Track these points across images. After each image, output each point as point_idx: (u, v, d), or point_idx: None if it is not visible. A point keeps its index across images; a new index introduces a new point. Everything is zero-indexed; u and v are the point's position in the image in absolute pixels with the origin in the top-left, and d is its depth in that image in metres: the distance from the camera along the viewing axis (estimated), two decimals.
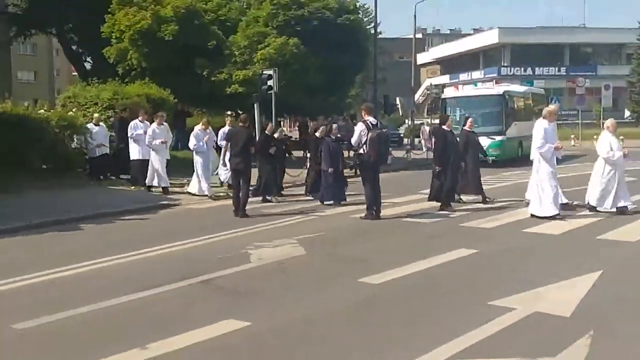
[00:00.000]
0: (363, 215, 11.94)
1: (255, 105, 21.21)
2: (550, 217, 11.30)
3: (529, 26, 63.29)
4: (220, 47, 24.86)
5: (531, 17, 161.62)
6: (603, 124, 37.49)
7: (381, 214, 11.96)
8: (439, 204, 12.85)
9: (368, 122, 12.10)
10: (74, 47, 33.73)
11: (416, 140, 35.51)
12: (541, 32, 60.26)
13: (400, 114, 56.86)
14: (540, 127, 11.69)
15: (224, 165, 13.83)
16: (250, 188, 15.70)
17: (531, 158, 12.01)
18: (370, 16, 44.26)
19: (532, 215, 11.56)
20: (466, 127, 14.48)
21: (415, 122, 41.31)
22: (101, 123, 17.98)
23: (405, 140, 38.44)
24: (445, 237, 10.15)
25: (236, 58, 24.67)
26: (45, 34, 36.77)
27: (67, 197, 14.50)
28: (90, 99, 19.87)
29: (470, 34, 72.51)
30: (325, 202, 13.86)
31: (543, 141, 11.52)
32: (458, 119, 25.90)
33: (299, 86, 23.81)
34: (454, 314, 6.18)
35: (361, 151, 12.05)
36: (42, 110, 18.73)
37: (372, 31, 36.07)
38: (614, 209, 11.72)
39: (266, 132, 15.55)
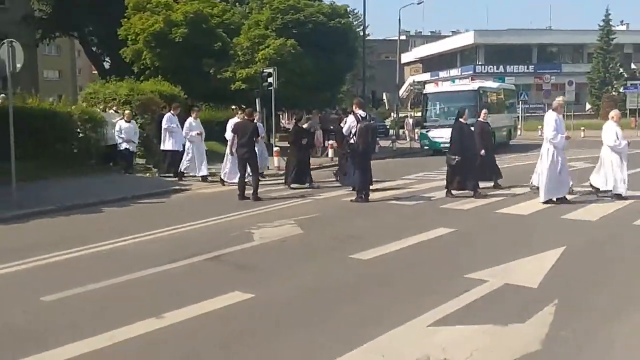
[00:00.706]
0: (353, 198, 11.94)
1: (256, 100, 21.15)
2: (560, 199, 11.06)
3: (501, 28, 62.94)
4: (225, 48, 24.72)
5: (503, 19, 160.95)
6: (567, 115, 37.63)
7: (369, 197, 11.96)
8: (445, 189, 12.33)
9: (358, 114, 12.08)
10: (94, 49, 33.52)
11: (400, 131, 35.49)
12: (512, 33, 60.02)
13: (387, 107, 56.80)
14: (551, 119, 11.15)
15: (231, 154, 13.55)
16: (266, 176, 15.86)
17: (541, 152, 11.42)
18: (360, 20, 44.14)
19: (546, 202, 10.99)
20: (480, 118, 13.82)
21: (400, 115, 41.24)
22: (132, 120, 17.30)
23: (391, 132, 38.41)
24: (427, 217, 10.17)
25: (239, 58, 24.54)
26: (68, 37, 36.51)
27: (89, 184, 14.45)
28: (108, 95, 19.74)
29: (448, 36, 72.14)
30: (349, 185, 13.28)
31: (555, 132, 10.98)
32: (438, 112, 25.95)
33: (296, 83, 23.71)
34: (434, 285, 6.20)
35: (352, 141, 12.04)
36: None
37: (361, 33, 35.98)
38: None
39: (298, 123, 15.23)
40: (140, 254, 7.84)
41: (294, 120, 16.38)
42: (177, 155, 15.92)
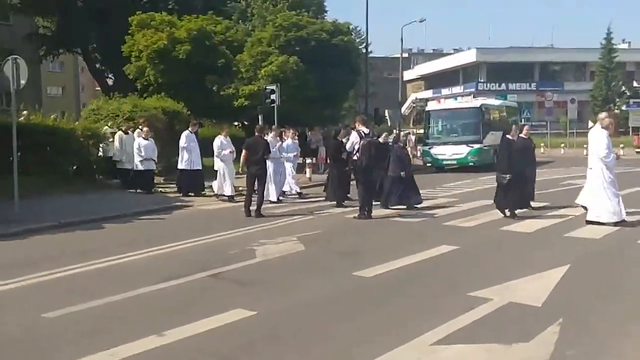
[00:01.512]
0: (356, 215, 11.92)
1: (259, 116, 21.21)
2: (614, 223, 10.21)
3: (503, 46, 63.22)
4: (229, 64, 24.87)
5: (505, 38, 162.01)
6: (570, 133, 37.33)
7: (372, 214, 11.94)
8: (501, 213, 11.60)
9: (361, 131, 12.12)
10: (97, 65, 33.73)
11: None
12: (514, 51, 60.33)
13: (389, 124, 56.90)
14: (603, 137, 10.41)
15: (241, 171, 13.15)
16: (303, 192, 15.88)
17: (590, 167, 10.62)
18: (362, 37, 44.37)
19: (589, 222, 10.43)
20: (522, 135, 12.67)
21: (402, 131, 41.29)
22: (150, 137, 16.45)
23: None
24: (430, 235, 10.14)
25: (242, 74, 24.68)
26: (72, 53, 36.74)
27: (90, 199, 14.47)
28: (112, 112, 19.83)
29: (451, 53, 72.51)
30: (390, 207, 12.89)
31: (608, 150, 10.31)
32: (440, 129, 25.99)
33: (299, 100, 23.80)
34: (437, 303, 6.16)
35: (355, 157, 12.06)
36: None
37: (364, 51, 36.13)
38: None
39: (337, 137, 14.65)
40: (142, 270, 7.81)
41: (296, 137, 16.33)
42: (195, 175, 15.58)
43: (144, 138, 16.27)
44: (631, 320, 5.62)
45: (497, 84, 58.61)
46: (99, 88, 36.89)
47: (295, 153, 16.11)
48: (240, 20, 32.40)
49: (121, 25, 25.60)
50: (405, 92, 62.77)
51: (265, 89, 20.52)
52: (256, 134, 13.09)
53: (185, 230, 10.66)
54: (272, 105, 19.58)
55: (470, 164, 23.44)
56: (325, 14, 33.82)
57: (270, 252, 8.72)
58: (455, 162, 24.12)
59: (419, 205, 12.88)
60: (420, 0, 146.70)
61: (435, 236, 9.92)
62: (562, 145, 37.60)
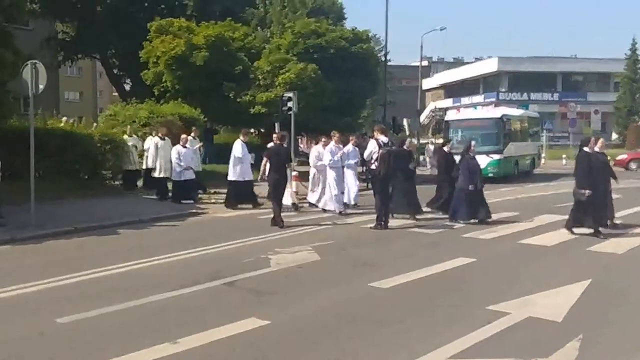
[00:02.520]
0: (372, 225, 11.91)
1: (276, 124, 21.27)
2: None
3: (525, 55, 63.00)
4: (246, 71, 24.99)
5: (527, 47, 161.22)
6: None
7: (389, 225, 11.92)
8: (567, 230, 11.00)
9: (379, 140, 12.13)
10: (115, 71, 34.14)
11: (421, 157, 35.41)
12: (536, 61, 60.03)
13: (407, 133, 56.77)
14: None
15: (260, 179, 12.94)
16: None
17: None
18: (381, 45, 44.38)
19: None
20: (596, 148, 11.45)
21: (421, 141, 41.20)
22: (188, 145, 15.77)
23: None
24: (447, 247, 10.09)
25: (260, 82, 24.78)
26: (90, 59, 37.27)
27: (107, 205, 14.59)
28: (129, 117, 20.05)
29: (471, 62, 72.34)
30: (461, 221, 12.27)
31: None
32: (460, 139, 25.87)
33: (316, 108, 23.83)
34: (454, 317, 6.14)
35: (373, 166, 12.06)
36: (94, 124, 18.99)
37: (383, 59, 36.13)
38: None
39: (405, 147, 13.87)
40: (156, 277, 7.87)
41: (312, 144, 16.03)
42: (246, 186, 15.09)
43: (183, 145, 15.56)
44: None
45: (518, 94, 58.31)
46: (116, 93, 37.35)
47: (356, 160, 15.34)
48: (258, 27, 32.56)
49: (140, 31, 25.90)
50: (424, 101, 62.69)
51: (283, 96, 20.58)
52: (277, 141, 12.93)
53: (200, 238, 10.72)
54: (289, 112, 19.63)
55: (489, 175, 23.29)
56: (345, 21, 33.84)
57: (285, 261, 8.74)
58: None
59: (489, 220, 12.28)
60: (441, 8, 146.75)
61: (452, 248, 9.87)
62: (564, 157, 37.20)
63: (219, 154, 16.42)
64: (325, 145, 14.95)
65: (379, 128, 13.04)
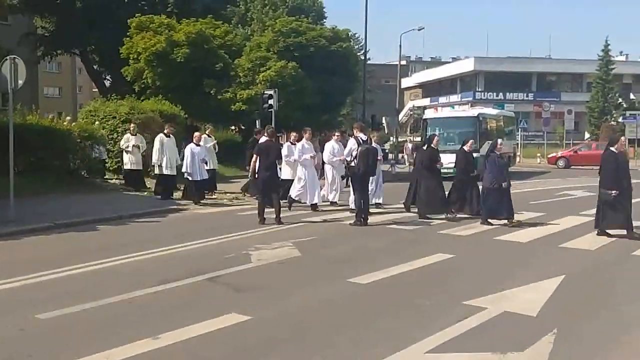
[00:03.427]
0: (352, 221, 11.94)
1: (257, 121, 21.26)
2: None
3: (501, 56, 63.54)
4: (227, 68, 24.91)
5: (503, 47, 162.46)
6: (566, 144, 38.04)
7: (368, 221, 11.96)
8: (598, 231, 10.59)
9: (359, 138, 12.17)
10: (95, 67, 33.72)
11: (399, 155, 35.59)
12: (512, 61, 60.61)
13: (386, 131, 57.00)
14: None
15: (252, 176, 12.74)
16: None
17: None
18: (361, 44, 44.52)
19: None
20: (614, 148, 10.73)
21: (399, 139, 41.38)
22: (201, 143, 15.52)
23: (390, 155, 38.52)
24: (425, 243, 10.16)
25: (240, 79, 24.72)
26: (70, 54, 36.71)
27: (86, 201, 14.44)
28: (109, 113, 19.85)
29: (448, 62, 72.81)
30: (491, 220, 11.81)
31: None
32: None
33: (296, 105, 23.86)
34: (432, 312, 6.18)
35: (352, 164, 12.09)
36: (66, 121, 18.65)
37: (362, 57, 36.24)
38: None
39: (432, 145, 13.55)
40: (137, 273, 7.81)
41: (289, 142, 15.45)
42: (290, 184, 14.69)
43: (196, 144, 15.14)
44: (624, 331, 5.65)
45: (494, 94, 58.87)
46: (96, 89, 36.89)
47: (311, 155, 14.68)
48: (239, 25, 32.52)
49: (120, 27, 25.63)
50: (402, 100, 62.88)
51: (263, 93, 20.58)
52: (266, 137, 12.58)
53: (181, 234, 10.66)
54: (270, 110, 19.62)
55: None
56: (325, 20, 33.93)
57: (266, 257, 8.72)
58: (451, 170, 24.16)
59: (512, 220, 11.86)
60: (420, 8, 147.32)
61: (430, 244, 9.95)
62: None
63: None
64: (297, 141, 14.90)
65: (358, 126, 13.10)
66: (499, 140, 12.77)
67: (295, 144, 14.86)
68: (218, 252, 9.12)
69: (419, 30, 47.08)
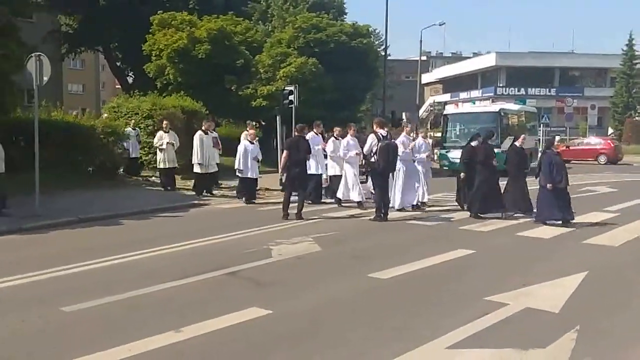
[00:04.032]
0: (372, 217, 11.91)
1: (277, 117, 21.27)
2: None
3: (523, 51, 62.89)
4: (247, 65, 24.98)
5: (525, 42, 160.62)
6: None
7: (388, 217, 11.91)
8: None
9: (379, 133, 12.11)
10: (118, 63, 34.06)
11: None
12: (534, 56, 59.95)
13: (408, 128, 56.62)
14: None
15: (281, 172, 12.87)
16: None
17: None
18: (381, 40, 44.30)
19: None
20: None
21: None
22: (244, 139, 14.98)
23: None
24: (446, 238, 10.10)
25: (261, 75, 24.78)
26: (93, 51, 37.15)
27: (110, 196, 14.60)
28: (131, 109, 20.04)
29: (470, 57, 72.18)
30: (548, 222, 11.24)
31: None
32: (458, 133, 25.87)
33: (316, 101, 23.84)
34: (453, 308, 6.14)
35: (372, 160, 12.04)
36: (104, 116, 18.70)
37: (382, 53, 36.07)
38: None
39: (488, 141, 13.04)
40: (159, 267, 7.87)
41: (333, 137, 14.67)
42: (319, 180, 14.63)
43: (250, 141, 14.71)
44: None
45: (516, 89, 58.22)
46: (119, 86, 37.27)
47: (428, 153, 14.57)
48: (260, 21, 32.51)
49: (142, 24, 25.83)
50: (422, 96, 62.59)
51: (284, 89, 20.57)
52: (296, 133, 12.69)
53: (202, 228, 10.73)
54: (290, 106, 19.61)
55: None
56: (345, 16, 33.79)
57: (286, 252, 8.74)
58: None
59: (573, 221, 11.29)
60: (441, 3, 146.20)
61: (451, 240, 9.88)
62: None
63: (223, 147, 16.35)
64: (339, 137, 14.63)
65: (378, 121, 13.01)
66: (556, 138, 12.11)
67: (339, 139, 14.53)
68: (239, 247, 9.16)
69: (439, 25, 46.85)
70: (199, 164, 15.53)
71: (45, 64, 11.82)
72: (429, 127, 50.59)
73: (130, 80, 33.43)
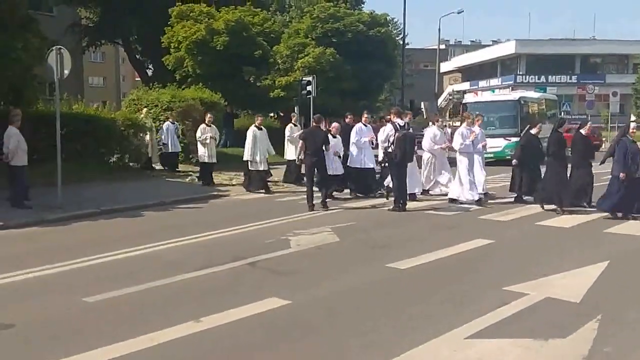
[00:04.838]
0: (391, 207, 11.87)
1: (295, 107, 21.27)
2: None
3: (543, 38, 62.01)
4: (265, 56, 24.95)
5: (545, 29, 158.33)
6: (611, 127, 37.12)
7: (407, 207, 11.87)
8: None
9: (396, 123, 12.03)
10: (137, 56, 34.22)
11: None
12: (554, 43, 59.07)
13: (425, 117, 56.36)
14: None
15: (298, 161, 12.89)
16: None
17: None
18: (399, 29, 43.97)
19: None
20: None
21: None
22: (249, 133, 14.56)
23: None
24: (465, 228, 10.03)
25: (279, 66, 24.74)
26: (113, 44, 37.34)
27: (130, 187, 14.71)
28: (151, 102, 20.14)
29: (489, 45, 71.36)
30: (615, 213, 10.70)
31: None
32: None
33: (334, 91, 23.78)
34: (472, 297, 6.11)
35: (389, 150, 11.98)
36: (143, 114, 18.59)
37: (401, 42, 35.82)
38: None
39: (559, 130, 12.11)
40: (179, 258, 7.93)
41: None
42: (366, 175, 13.93)
43: (333, 136, 13.57)
44: None
45: (536, 77, 57.50)
46: (139, 78, 37.46)
47: (484, 142, 13.77)
48: (277, 12, 32.47)
49: (161, 17, 25.91)
50: (441, 84, 62.04)
51: (302, 80, 20.54)
52: (313, 124, 12.65)
53: (222, 219, 10.77)
54: (308, 96, 19.59)
55: (507, 157, 23.08)
56: (363, 5, 33.55)
57: (305, 243, 8.76)
58: (492, 155, 23.76)
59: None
60: None
61: (470, 230, 9.81)
62: (604, 139, 36.74)
63: (240, 137, 16.17)
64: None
65: (395, 111, 12.92)
66: (632, 124, 11.60)
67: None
68: (258, 238, 9.19)
69: (458, 13, 46.38)
70: (250, 161, 14.64)
71: (65, 57, 11.91)
72: (447, 116, 50.15)
73: (149, 72, 33.58)
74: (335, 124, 14.32)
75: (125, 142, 17.66)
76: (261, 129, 14.90)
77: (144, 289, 6.39)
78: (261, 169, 14.68)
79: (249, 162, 14.72)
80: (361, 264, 7.63)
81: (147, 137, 18.14)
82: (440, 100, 53.85)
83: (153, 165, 18.22)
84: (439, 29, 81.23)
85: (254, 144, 14.62)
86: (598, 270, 7.04)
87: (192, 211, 12.36)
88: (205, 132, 15.77)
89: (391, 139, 11.87)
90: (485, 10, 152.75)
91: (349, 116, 15.57)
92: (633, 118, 10.34)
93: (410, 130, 12.59)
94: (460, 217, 11.30)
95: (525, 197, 12.58)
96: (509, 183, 13.32)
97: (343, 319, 5.50)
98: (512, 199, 12.82)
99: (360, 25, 25.49)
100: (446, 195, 13.18)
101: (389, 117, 13.81)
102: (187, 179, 16.72)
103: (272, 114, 31.28)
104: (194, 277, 6.88)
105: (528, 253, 8.27)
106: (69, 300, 6.05)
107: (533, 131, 12.83)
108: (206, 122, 16.01)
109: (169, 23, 25.67)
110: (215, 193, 14.52)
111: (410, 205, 12.03)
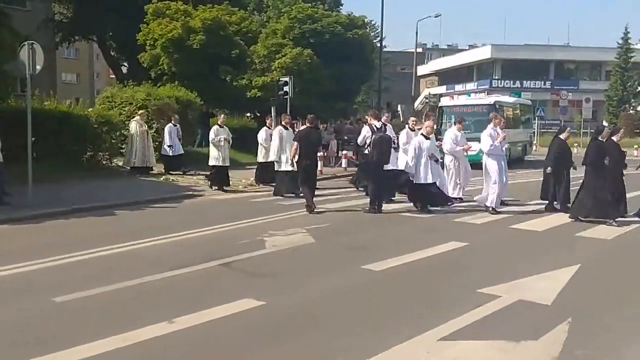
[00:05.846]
0: (366, 209, 11.92)
1: (272, 108, 21.24)
2: None
3: (519, 43, 62.84)
4: (242, 55, 24.91)
5: (521, 35, 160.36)
6: (583, 133, 37.76)
7: (382, 209, 11.92)
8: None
9: (373, 125, 12.10)
10: (112, 53, 33.88)
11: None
12: (529, 49, 59.93)
13: (401, 119, 56.68)
14: None
15: (291, 164, 12.59)
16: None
17: None
18: (377, 31, 44.23)
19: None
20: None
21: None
22: (211, 134, 14.64)
23: None
24: (439, 231, 10.11)
25: (256, 66, 24.71)
26: (87, 41, 36.90)
27: (104, 186, 14.55)
28: (125, 99, 19.95)
29: (465, 49, 72.10)
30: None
31: None
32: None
33: (312, 92, 23.83)
34: (445, 300, 6.16)
35: (366, 151, 12.03)
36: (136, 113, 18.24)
37: (378, 45, 36.00)
38: None
39: (599, 138, 11.20)
40: (152, 258, 7.86)
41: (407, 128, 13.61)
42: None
43: (425, 137, 12.16)
44: None
45: (511, 82, 58.26)
46: (113, 76, 37.09)
47: (466, 146, 13.77)
48: (255, 11, 32.41)
49: (137, 14, 25.69)
50: (418, 88, 62.53)
51: (279, 80, 20.54)
52: (307, 124, 12.41)
53: (196, 219, 10.71)
54: (285, 97, 19.58)
55: (481, 161, 23.37)
56: (341, 7, 33.72)
57: (280, 244, 8.74)
58: (467, 158, 23.99)
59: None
60: None
61: (444, 232, 9.89)
62: (576, 144, 37.32)
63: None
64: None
65: (372, 113, 12.99)
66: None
67: (414, 130, 13.45)
68: (232, 238, 9.15)
69: (435, 17, 46.83)
70: (277, 161, 14.15)
71: (38, 53, 11.73)
72: (423, 119, 50.57)
73: (124, 69, 33.26)
74: (429, 122, 12.78)
75: (98, 140, 17.45)
76: (287, 129, 14.36)
77: (116, 289, 6.31)
78: (289, 169, 13.69)
79: (275, 163, 14.25)
80: (336, 265, 7.64)
81: (137, 140, 17.56)
82: (416, 103, 54.31)
83: (153, 168, 17.89)
84: (417, 33, 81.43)
85: (281, 145, 14.07)
86: (569, 273, 7.15)
87: (166, 211, 12.26)
88: (219, 134, 15.12)
89: (368, 141, 11.94)
90: (462, 14, 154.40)
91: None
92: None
93: (387, 132, 12.66)
94: (435, 219, 11.38)
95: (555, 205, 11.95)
96: (540, 189, 12.52)
97: (317, 320, 5.50)
98: (543, 207, 12.22)
99: (338, 26, 25.61)
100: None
101: (366, 119, 13.70)
102: (161, 178, 16.60)
103: (248, 114, 31.21)
104: (167, 278, 6.81)
105: (501, 256, 8.37)
106: (38, 300, 5.95)
107: (562, 136, 12.35)
108: (219, 123, 15.54)
109: (144, 20, 25.46)
110: (190, 193, 14.42)
111: (386, 207, 12.10)
